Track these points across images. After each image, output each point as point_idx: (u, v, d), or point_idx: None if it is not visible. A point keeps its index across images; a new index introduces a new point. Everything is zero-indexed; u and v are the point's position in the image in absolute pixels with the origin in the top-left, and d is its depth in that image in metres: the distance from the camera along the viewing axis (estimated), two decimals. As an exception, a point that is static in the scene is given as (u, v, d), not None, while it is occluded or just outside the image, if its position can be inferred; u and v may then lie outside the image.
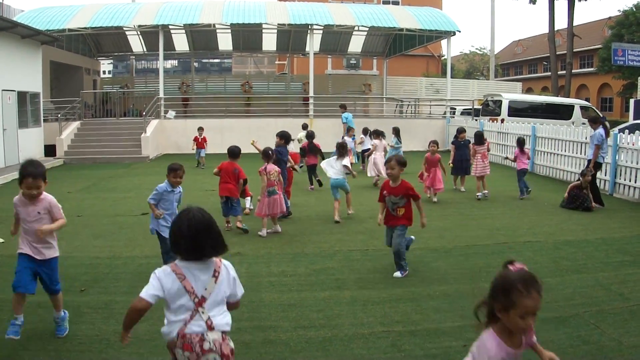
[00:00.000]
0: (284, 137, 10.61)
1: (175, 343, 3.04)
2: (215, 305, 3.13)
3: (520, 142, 12.96)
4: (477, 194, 12.56)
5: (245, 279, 6.73)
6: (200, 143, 18.93)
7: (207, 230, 3.11)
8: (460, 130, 13.94)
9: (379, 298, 6.09)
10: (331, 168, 10.45)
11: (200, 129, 19.26)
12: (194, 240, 3.07)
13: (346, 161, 10.42)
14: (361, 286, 6.52)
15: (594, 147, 11.79)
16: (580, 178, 11.62)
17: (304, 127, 17.61)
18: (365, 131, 17.13)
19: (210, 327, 3.06)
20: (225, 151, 9.47)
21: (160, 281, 3.07)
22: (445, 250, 8.18)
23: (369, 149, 15.34)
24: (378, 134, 15.17)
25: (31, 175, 4.64)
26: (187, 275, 3.08)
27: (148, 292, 3.05)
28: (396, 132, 16.18)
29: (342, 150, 10.55)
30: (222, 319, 3.15)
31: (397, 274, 6.86)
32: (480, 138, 13.07)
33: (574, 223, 10.06)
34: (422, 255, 7.85)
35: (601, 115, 26.34)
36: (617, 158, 13.20)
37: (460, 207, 11.55)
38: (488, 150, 13.15)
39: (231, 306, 3.29)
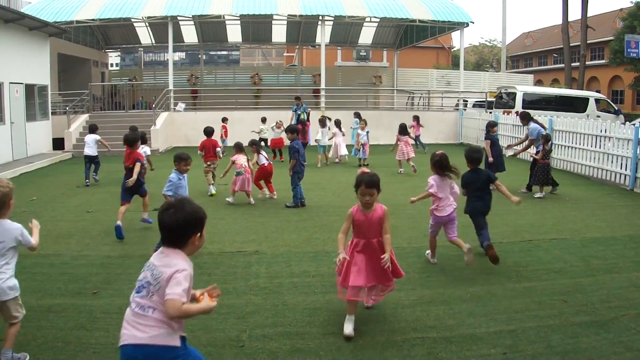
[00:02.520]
0: (294, 131, 11.56)
1: None
2: None
3: (417, 117, 20.74)
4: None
5: (266, 279, 6.47)
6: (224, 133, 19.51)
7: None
8: (492, 124, 12.87)
9: (409, 300, 5.78)
10: (322, 137, 16.91)
11: (224, 120, 19.89)
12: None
13: (327, 132, 17.10)
14: (388, 287, 6.20)
15: (528, 142, 12.85)
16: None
17: (263, 120, 19.88)
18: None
19: None
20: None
21: None
22: (470, 248, 7.86)
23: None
24: (337, 124, 17.59)
25: None
26: None
27: None
28: (357, 115, 19.36)
29: (322, 123, 16.95)
30: None
31: None
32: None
33: (597, 219, 9.79)
34: (447, 254, 7.51)
35: (616, 108, 26.07)
36: (637, 152, 12.78)
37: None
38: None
39: None
